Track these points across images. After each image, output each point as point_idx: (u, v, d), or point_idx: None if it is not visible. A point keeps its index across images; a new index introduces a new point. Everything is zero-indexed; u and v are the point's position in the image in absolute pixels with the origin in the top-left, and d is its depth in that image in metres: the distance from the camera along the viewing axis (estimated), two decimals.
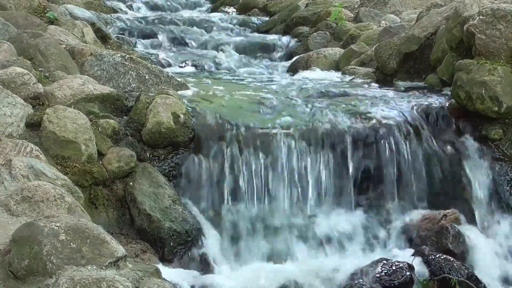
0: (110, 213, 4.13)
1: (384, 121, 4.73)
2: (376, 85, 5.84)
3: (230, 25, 9.67)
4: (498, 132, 4.78)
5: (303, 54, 7.58)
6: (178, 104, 4.52)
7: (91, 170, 4.08)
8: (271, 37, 8.93)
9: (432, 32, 5.79)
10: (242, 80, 6.25)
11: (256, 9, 10.88)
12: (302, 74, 6.68)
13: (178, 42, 8.60)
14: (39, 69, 4.90)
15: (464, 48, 5.14)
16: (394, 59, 5.95)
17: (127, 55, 5.50)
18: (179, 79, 5.44)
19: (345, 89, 5.58)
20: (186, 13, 10.71)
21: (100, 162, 4.18)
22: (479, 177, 4.66)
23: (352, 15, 8.86)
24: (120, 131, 4.38)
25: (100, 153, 4.21)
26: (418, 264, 4.06)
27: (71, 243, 2.67)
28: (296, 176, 4.47)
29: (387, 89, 5.55)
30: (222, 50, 8.37)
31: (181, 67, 7.46)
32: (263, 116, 4.75)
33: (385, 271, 3.91)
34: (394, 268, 3.93)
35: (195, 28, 9.23)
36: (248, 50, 8.44)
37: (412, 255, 4.17)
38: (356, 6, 9.38)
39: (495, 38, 4.80)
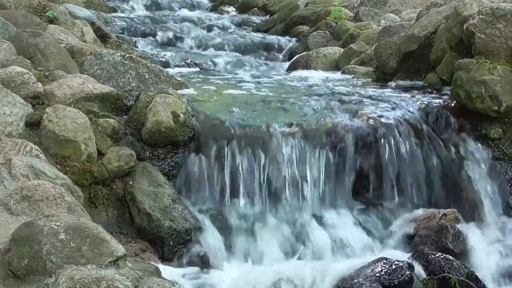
0: (109, 212, 4.13)
1: (383, 121, 4.73)
2: (376, 84, 5.84)
3: (230, 25, 9.68)
4: (497, 131, 4.78)
5: (303, 54, 7.58)
6: (178, 103, 4.52)
7: (91, 169, 4.08)
8: (271, 37, 8.94)
9: (432, 31, 5.79)
10: (242, 79, 6.24)
11: (256, 9, 10.89)
12: (302, 73, 6.68)
13: (178, 41, 8.60)
14: (39, 68, 4.90)
15: (463, 47, 5.14)
16: (394, 58, 5.95)
17: (127, 54, 5.50)
18: (179, 78, 5.44)
19: (345, 88, 5.59)
20: (186, 12, 10.71)
21: (100, 161, 4.18)
22: (478, 176, 4.66)
23: (352, 14, 8.86)
24: (119, 130, 4.38)
25: (100, 152, 4.21)
26: (418, 263, 4.05)
27: (71, 242, 2.67)
28: (296, 175, 4.47)
29: (387, 89, 5.55)
30: (221, 49, 8.38)
31: (181, 66, 7.46)
32: (263, 115, 4.75)
33: (385, 270, 3.90)
34: (394, 267, 3.92)
35: (195, 27, 9.23)
36: (247, 50, 8.44)
37: (412, 254, 4.17)
38: (356, 5, 9.38)
39: (494, 37, 4.80)
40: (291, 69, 7.24)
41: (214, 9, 11.51)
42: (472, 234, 4.39)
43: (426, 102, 5.02)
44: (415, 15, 6.97)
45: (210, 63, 7.65)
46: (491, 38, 4.81)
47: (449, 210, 4.48)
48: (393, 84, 5.81)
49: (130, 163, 4.22)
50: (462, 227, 4.40)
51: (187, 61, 7.61)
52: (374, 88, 5.61)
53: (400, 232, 4.44)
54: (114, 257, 2.72)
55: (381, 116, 4.77)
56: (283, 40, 8.75)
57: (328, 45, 7.83)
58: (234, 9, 11.33)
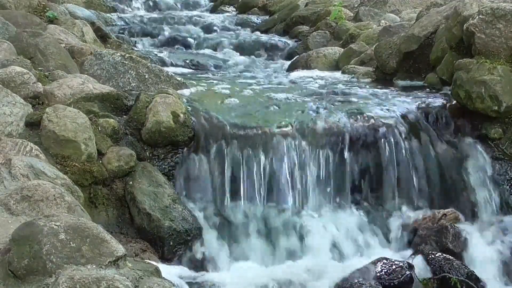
0: (109, 212, 4.13)
1: (383, 121, 4.73)
2: (376, 84, 5.84)
3: (230, 25, 9.68)
4: (498, 131, 4.78)
5: (303, 54, 7.58)
6: (178, 104, 4.52)
7: (91, 169, 4.08)
8: (271, 37, 8.94)
9: (432, 31, 5.79)
10: (242, 79, 6.24)
11: (256, 9, 10.90)
12: (302, 73, 6.68)
13: (178, 41, 8.60)
14: (39, 68, 4.90)
15: (463, 47, 5.14)
16: (394, 58, 5.95)
17: (127, 54, 5.50)
18: (179, 78, 5.44)
19: (345, 88, 5.59)
20: (186, 12, 10.71)
21: (100, 161, 4.18)
22: (478, 176, 4.66)
23: (352, 14, 8.87)
24: (119, 130, 4.38)
25: (100, 152, 4.21)
26: (418, 263, 4.05)
27: (71, 242, 2.67)
28: (296, 175, 4.47)
29: (387, 88, 5.55)
30: (221, 49, 8.38)
31: (181, 66, 7.46)
32: (263, 115, 4.75)
33: (385, 270, 3.91)
34: (394, 267, 3.92)
35: (195, 27, 9.23)
36: (247, 50, 8.44)
37: (412, 254, 4.17)
38: (356, 5, 9.38)
39: (494, 37, 4.80)
40: (291, 69, 7.24)
41: (214, 9, 11.51)
42: (472, 234, 4.39)
43: (426, 102, 5.02)
44: (415, 15, 6.97)
45: (210, 63, 7.65)
46: (491, 38, 4.81)
47: (449, 210, 4.48)
48: (393, 84, 5.81)
49: (130, 163, 4.22)
50: (462, 227, 4.40)
51: (187, 61, 7.61)
52: (374, 88, 5.61)
53: (400, 232, 4.44)
54: (114, 257, 2.72)
55: (381, 116, 4.77)
56: (283, 40, 8.75)
57: (328, 45, 7.83)
58: (234, 9, 11.34)
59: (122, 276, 2.63)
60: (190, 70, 7.27)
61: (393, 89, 5.55)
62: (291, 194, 4.46)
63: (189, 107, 4.67)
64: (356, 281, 3.86)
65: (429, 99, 5.09)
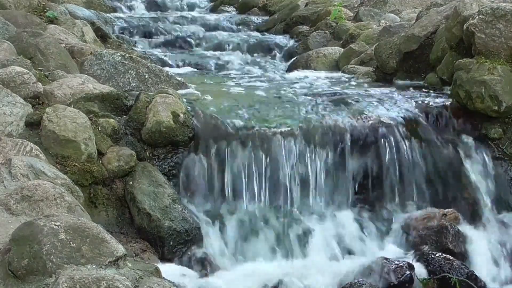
0: (110, 212, 4.13)
1: (383, 120, 4.73)
2: (376, 84, 5.85)
3: (230, 25, 9.67)
4: (498, 131, 4.78)
5: (303, 53, 7.58)
6: (178, 103, 4.52)
7: (91, 169, 4.08)
8: (271, 37, 8.94)
9: (432, 31, 5.79)
10: (242, 79, 6.24)
11: (256, 9, 10.89)
12: (302, 73, 6.69)
13: (178, 41, 8.60)
14: (39, 68, 4.90)
15: (464, 47, 5.14)
16: (394, 58, 5.95)
17: (127, 54, 5.50)
18: (179, 78, 5.45)
19: (345, 88, 5.59)
20: (186, 13, 10.71)
21: (100, 161, 4.18)
22: (478, 176, 4.66)
23: (352, 14, 8.87)
24: (120, 130, 4.38)
25: (100, 152, 4.21)
26: (418, 263, 4.06)
27: (71, 242, 2.67)
28: (296, 175, 4.47)
29: (387, 88, 5.55)
30: (221, 49, 8.38)
31: (181, 66, 7.46)
32: (263, 115, 4.75)
33: (385, 270, 3.90)
34: (394, 267, 3.92)
35: (195, 27, 9.23)
36: (247, 50, 8.44)
37: (412, 254, 4.17)
38: (356, 5, 9.38)
39: (494, 37, 4.81)
40: (291, 69, 7.24)
41: (214, 9, 11.51)
42: (472, 234, 4.39)
43: (426, 102, 5.02)
44: (415, 15, 6.97)
45: (210, 63, 7.65)
46: (491, 38, 4.81)
47: (449, 210, 4.48)
48: (393, 84, 5.81)
49: (130, 163, 4.22)
50: (462, 227, 4.40)
51: (187, 61, 7.61)
52: (374, 88, 5.61)
53: (400, 232, 4.44)
54: (114, 257, 2.72)
55: (381, 116, 4.77)
56: (283, 40, 8.75)
57: (328, 45, 7.83)
58: (234, 9, 11.33)
59: (122, 276, 2.62)
60: (190, 70, 7.27)
61: (393, 89, 5.55)
62: (291, 194, 4.46)
63: (189, 107, 4.67)
64: (356, 281, 3.86)
65: (429, 99, 5.09)
